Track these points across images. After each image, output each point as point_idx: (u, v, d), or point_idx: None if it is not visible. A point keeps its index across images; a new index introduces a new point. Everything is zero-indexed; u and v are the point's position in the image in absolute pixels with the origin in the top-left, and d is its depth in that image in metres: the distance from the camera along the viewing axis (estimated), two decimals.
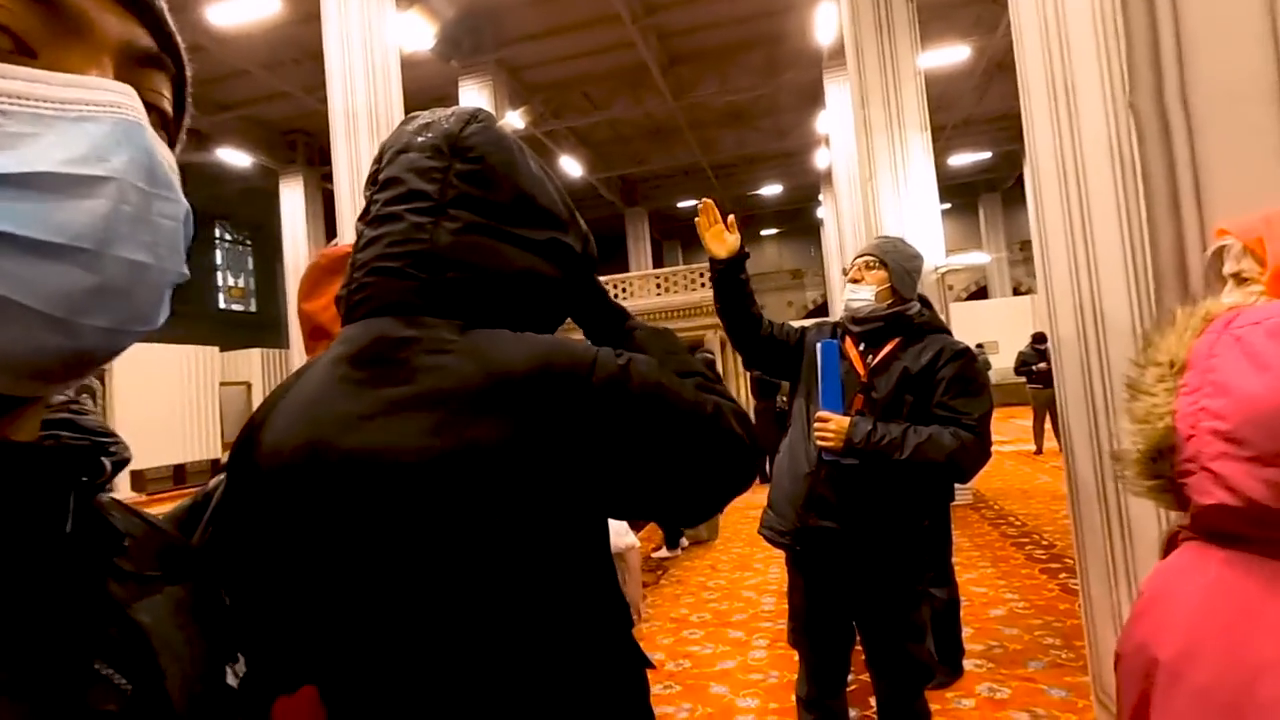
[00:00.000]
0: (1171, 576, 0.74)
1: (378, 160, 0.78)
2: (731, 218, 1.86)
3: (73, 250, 0.29)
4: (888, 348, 1.82)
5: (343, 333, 0.73)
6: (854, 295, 1.88)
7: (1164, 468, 0.73)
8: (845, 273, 1.96)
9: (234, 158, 14.34)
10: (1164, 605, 0.71)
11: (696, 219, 1.87)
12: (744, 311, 1.93)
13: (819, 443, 1.74)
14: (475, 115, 0.78)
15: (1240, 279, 1.04)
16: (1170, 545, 0.80)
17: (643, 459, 0.67)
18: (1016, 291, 21.66)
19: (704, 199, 1.87)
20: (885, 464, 1.68)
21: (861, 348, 1.87)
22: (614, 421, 0.66)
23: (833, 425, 1.72)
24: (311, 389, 0.71)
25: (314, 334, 1.08)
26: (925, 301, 1.92)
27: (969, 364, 1.78)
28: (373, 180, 0.77)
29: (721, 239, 1.85)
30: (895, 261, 1.86)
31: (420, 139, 0.75)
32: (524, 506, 0.64)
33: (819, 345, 1.80)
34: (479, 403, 0.64)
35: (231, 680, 0.42)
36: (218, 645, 0.42)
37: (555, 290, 0.78)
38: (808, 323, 2.11)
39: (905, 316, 1.84)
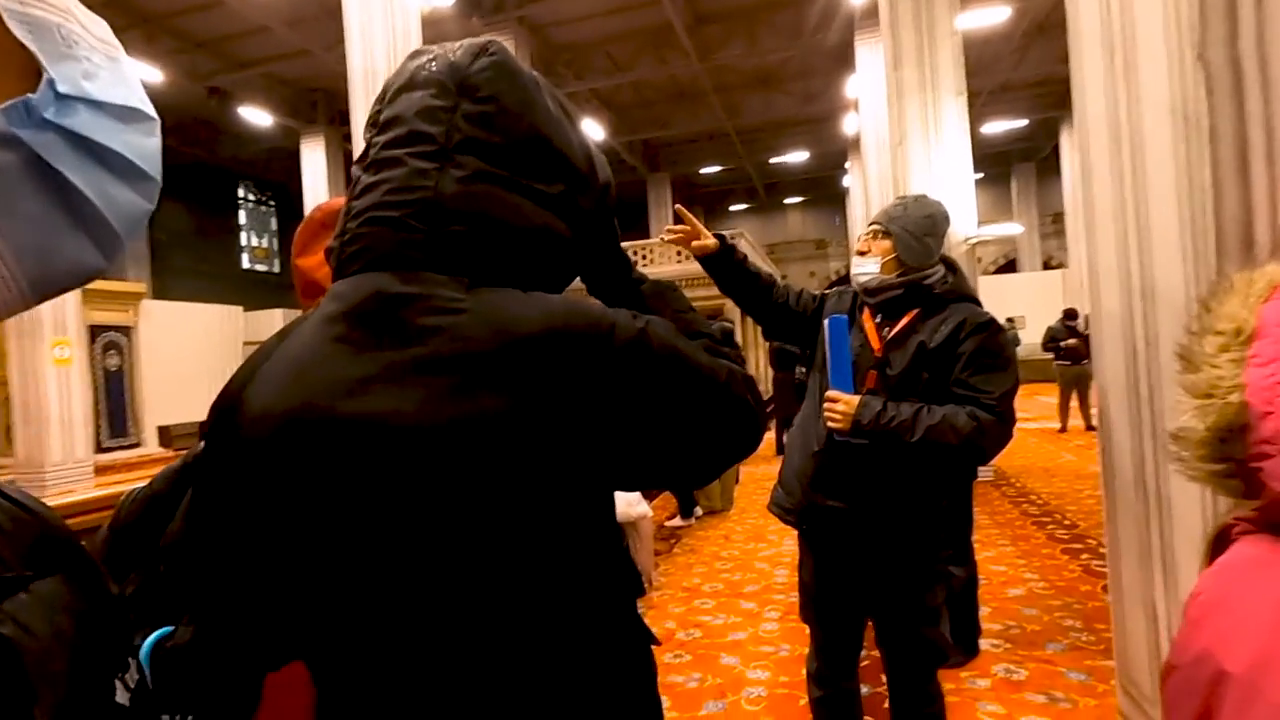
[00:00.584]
0: (1237, 576, 0.66)
1: (380, 99, 0.71)
2: (687, 219, 1.82)
3: (147, 178, 0.35)
4: (905, 320, 1.70)
5: (334, 288, 0.67)
6: (859, 269, 1.77)
7: (1234, 449, 0.64)
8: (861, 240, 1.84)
9: (256, 117, 14.29)
10: (1230, 609, 0.63)
11: (669, 239, 1.83)
12: (747, 289, 1.88)
13: (828, 423, 1.66)
14: (486, 48, 0.70)
15: None
16: (1221, 541, 0.72)
17: (657, 425, 0.64)
18: (1047, 266, 21.12)
19: (666, 228, 1.83)
20: (896, 445, 1.58)
21: (879, 319, 1.75)
22: (632, 387, 0.62)
23: (841, 405, 1.63)
24: (300, 350, 0.65)
25: (307, 290, 1.03)
26: (951, 266, 1.78)
27: (992, 337, 1.64)
28: (373, 122, 0.70)
29: (701, 247, 1.82)
30: (901, 228, 1.72)
31: (425, 74, 0.68)
32: (533, 477, 0.59)
33: (826, 321, 1.68)
34: (491, 367, 0.59)
35: (122, 697, 0.36)
36: (104, 654, 0.36)
37: (567, 249, 0.71)
38: (832, 290, 2.01)
39: (924, 285, 1.70)
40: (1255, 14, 1.22)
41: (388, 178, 0.65)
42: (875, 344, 1.72)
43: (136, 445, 10.77)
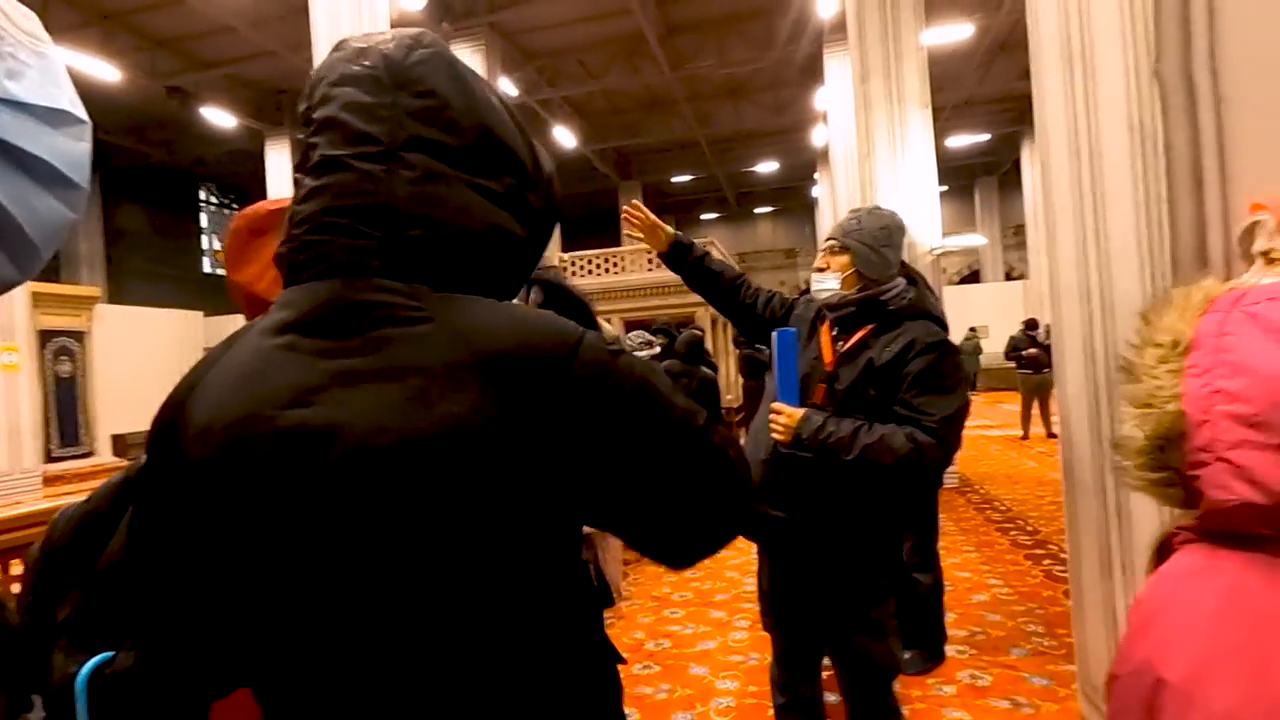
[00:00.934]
0: (1176, 585, 0.67)
1: (308, 96, 0.66)
2: (640, 210, 1.85)
3: (73, 185, 0.31)
4: (859, 335, 1.69)
5: (284, 295, 0.64)
6: (820, 285, 1.75)
7: (1172, 458, 0.65)
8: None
9: (219, 118, 13.97)
10: (1169, 619, 0.64)
11: (627, 230, 1.88)
12: (712, 285, 1.92)
13: (771, 434, 1.66)
14: (420, 39, 0.67)
15: (1270, 258, 0.97)
16: (1165, 550, 0.72)
17: (621, 463, 0.60)
18: (1009, 276, 21.65)
19: (628, 203, 1.87)
20: (835, 461, 1.58)
21: (835, 333, 1.74)
22: (593, 414, 0.59)
23: (783, 418, 1.63)
24: (247, 359, 0.62)
25: (252, 305, 0.97)
26: (912, 278, 1.77)
27: (941, 358, 1.61)
28: (306, 120, 0.66)
29: (656, 234, 1.87)
30: (858, 242, 1.72)
31: (356, 69, 0.64)
32: (490, 495, 0.56)
33: (775, 334, 1.67)
34: (450, 378, 0.56)
35: None
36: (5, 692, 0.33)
37: (520, 249, 0.68)
38: (802, 298, 2.00)
39: (879, 301, 1.69)
40: (1207, 31, 1.25)
41: (335, 181, 0.62)
42: (828, 357, 1.72)
43: (89, 455, 10.40)
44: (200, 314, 13.60)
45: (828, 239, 1.79)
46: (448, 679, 0.58)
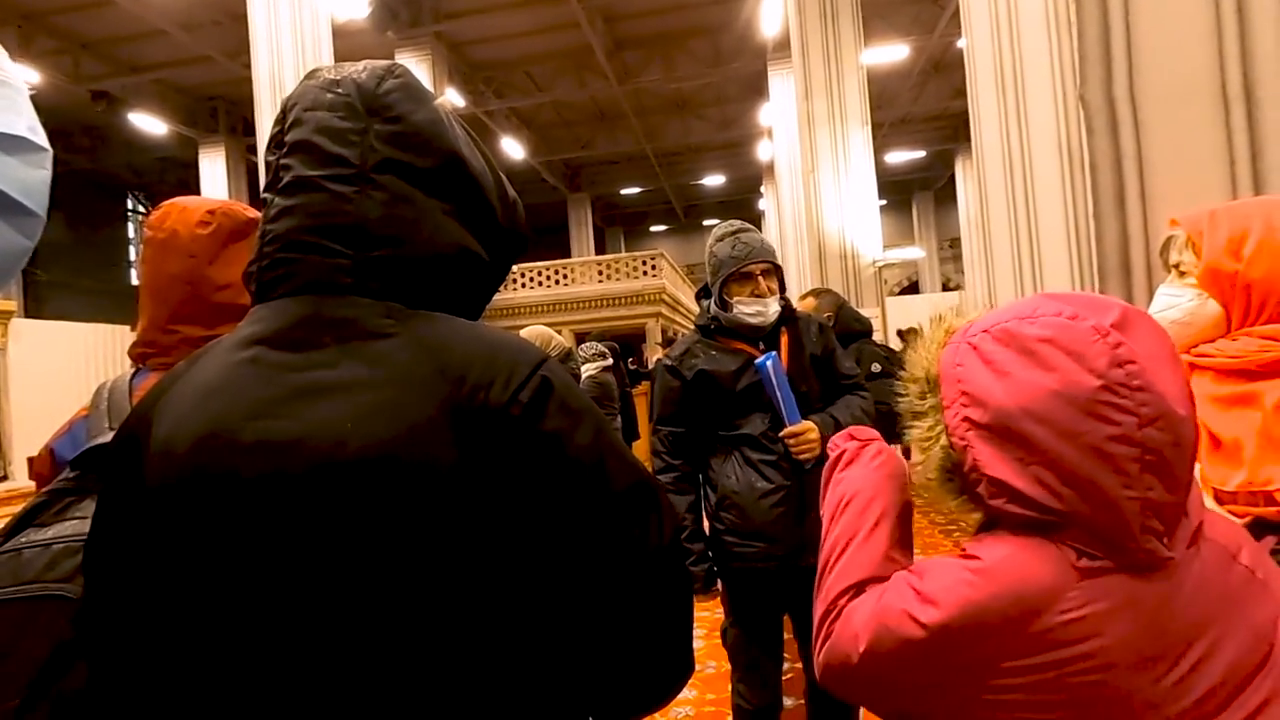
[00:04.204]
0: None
1: (280, 120, 0.68)
2: None
3: (29, 214, 0.32)
4: (784, 340, 1.81)
5: (255, 312, 0.64)
6: (767, 310, 1.75)
7: (960, 482, 0.73)
8: (742, 279, 1.76)
9: (149, 124, 13.41)
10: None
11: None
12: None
13: (802, 457, 1.66)
14: (391, 70, 0.69)
15: (1180, 271, 1.05)
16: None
17: (548, 533, 0.58)
18: (945, 287, 22.50)
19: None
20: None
21: (761, 347, 1.77)
22: (524, 460, 0.57)
23: (809, 435, 1.64)
24: (211, 375, 0.61)
25: (218, 312, 0.93)
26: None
27: (831, 330, 1.92)
28: (278, 143, 0.67)
29: None
30: (778, 261, 1.83)
31: (330, 95, 0.66)
32: (453, 514, 0.56)
33: (759, 365, 1.66)
34: (413, 392, 0.57)
35: None
36: None
37: (486, 271, 0.70)
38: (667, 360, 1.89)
39: (788, 305, 1.86)
40: (1126, 58, 1.35)
41: (305, 202, 0.63)
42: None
43: (3, 479, 9.75)
44: (128, 328, 12.94)
45: (763, 260, 1.76)
46: (414, 696, 0.57)
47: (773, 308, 1.75)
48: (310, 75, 0.70)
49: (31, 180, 0.31)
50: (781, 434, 1.67)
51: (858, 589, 0.74)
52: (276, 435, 0.56)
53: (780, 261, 1.84)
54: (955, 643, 0.65)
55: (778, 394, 1.65)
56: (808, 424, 1.66)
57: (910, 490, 0.86)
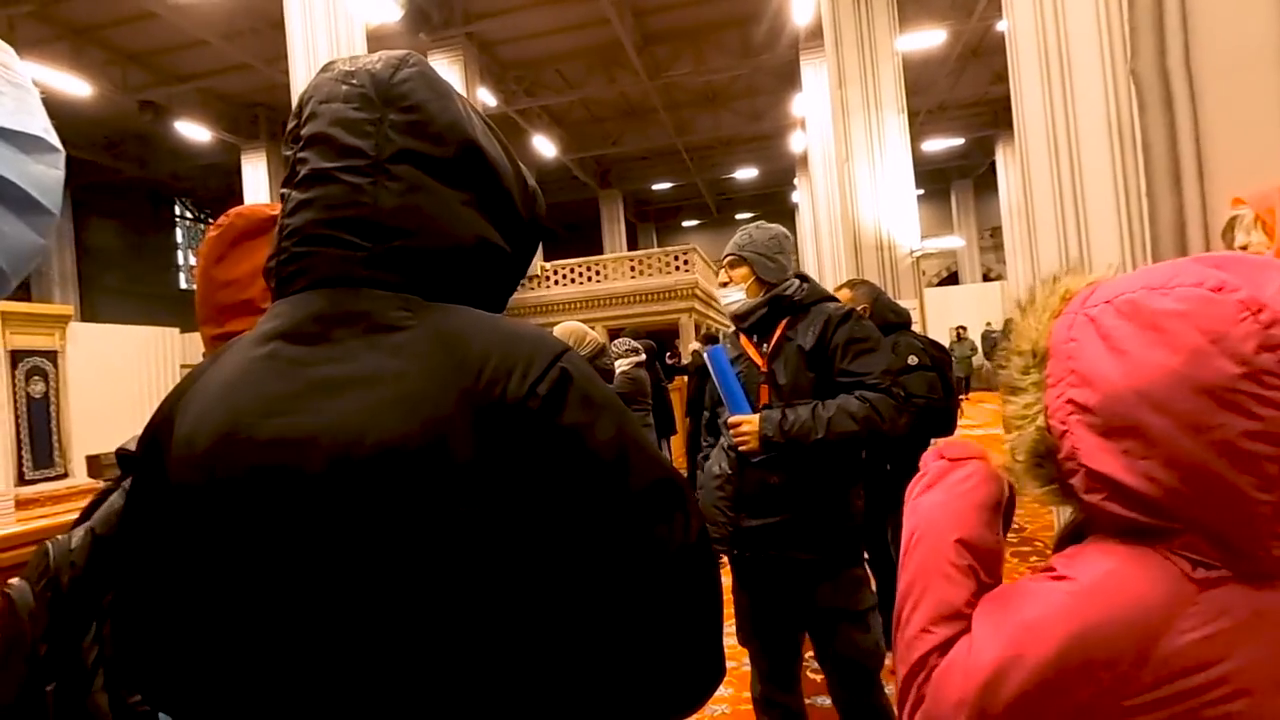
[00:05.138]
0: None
1: (297, 114, 0.68)
2: None
3: (44, 211, 0.33)
4: (778, 331, 1.83)
5: (274, 307, 0.64)
6: (728, 299, 1.90)
7: (1052, 470, 0.64)
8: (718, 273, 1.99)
9: (194, 132, 13.82)
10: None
11: None
12: None
13: (740, 448, 1.74)
14: (406, 60, 0.68)
15: (1250, 254, 0.98)
16: (1074, 534, 0.72)
17: (569, 531, 0.55)
18: (986, 277, 21.93)
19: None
20: (804, 449, 1.67)
21: (755, 339, 1.88)
22: (542, 455, 0.55)
23: (745, 426, 1.72)
24: (231, 371, 0.61)
25: (224, 311, 0.94)
26: (804, 277, 1.93)
27: (857, 324, 1.79)
28: (294, 138, 0.67)
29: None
30: (752, 252, 1.87)
31: (345, 87, 0.65)
32: (474, 506, 0.54)
33: (706, 354, 1.79)
34: (431, 384, 0.56)
35: None
36: None
37: (507, 262, 0.69)
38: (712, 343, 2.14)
39: (784, 296, 1.84)
40: (1181, 29, 1.27)
41: (322, 195, 0.63)
42: (759, 360, 1.83)
43: (64, 476, 10.16)
44: (176, 330, 13.38)
45: (725, 255, 1.93)
46: (434, 696, 0.56)
47: (733, 296, 1.87)
48: (326, 68, 0.69)
49: (48, 179, 0.31)
50: (728, 421, 1.77)
51: (944, 646, 0.64)
52: (293, 431, 0.56)
53: (742, 254, 1.88)
54: (1063, 686, 0.55)
55: (719, 384, 1.78)
56: (748, 416, 1.72)
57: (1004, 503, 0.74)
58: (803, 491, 1.72)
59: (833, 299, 1.89)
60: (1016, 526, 5.08)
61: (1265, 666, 0.53)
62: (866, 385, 1.69)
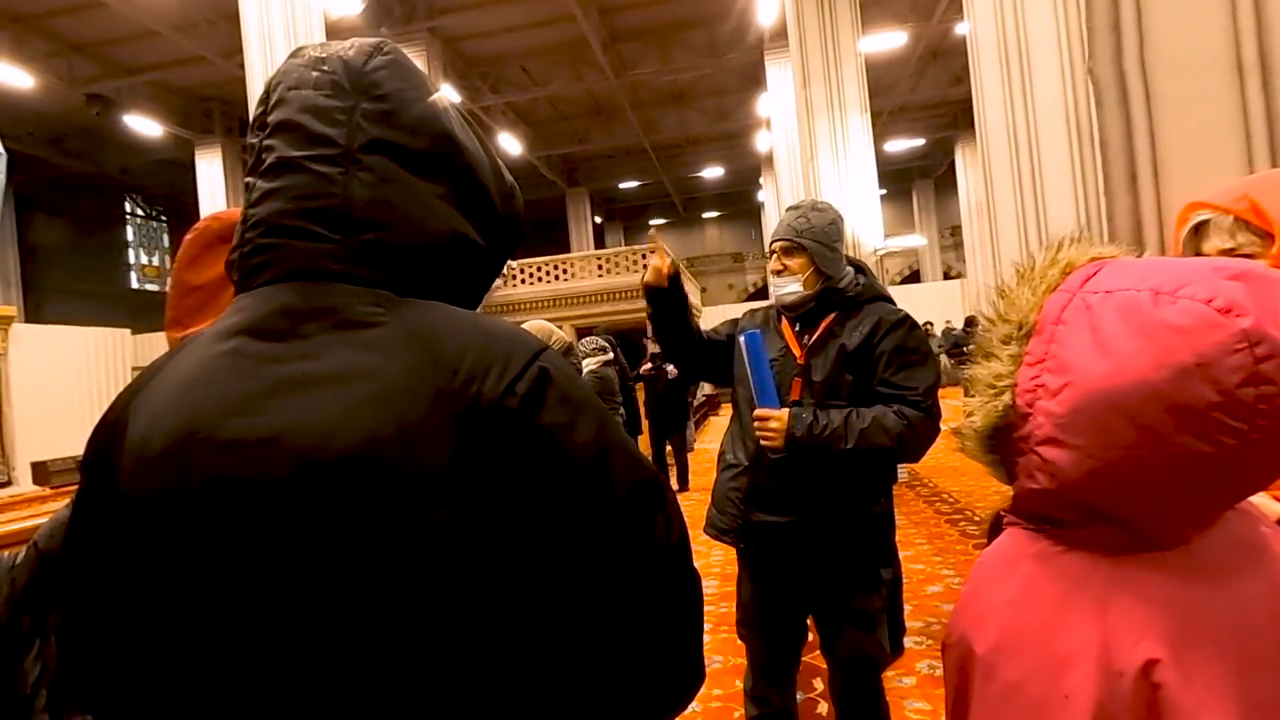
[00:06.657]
0: (989, 567, 0.70)
1: (264, 100, 0.64)
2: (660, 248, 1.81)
3: None
4: (824, 324, 1.70)
5: (237, 301, 0.60)
6: (783, 290, 1.73)
7: (1002, 444, 0.65)
8: (768, 256, 1.81)
9: (145, 126, 13.37)
10: (981, 597, 0.67)
11: (652, 262, 1.78)
12: (683, 327, 1.84)
13: (761, 441, 1.63)
14: (380, 47, 0.65)
15: (1238, 256, 0.93)
16: (996, 527, 0.74)
17: (548, 534, 0.54)
18: (947, 276, 22.43)
19: (651, 232, 1.84)
20: (829, 454, 1.57)
21: (797, 328, 1.75)
22: (521, 457, 0.54)
23: (773, 423, 1.59)
24: (191, 368, 0.58)
25: (199, 313, 0.91)
26: (860, 267, 1.79)
27: (910, 333, 1.65)
28: (260, 125, 0.63)
29: (661, 274, 1.76)
30: (812, 240, 1.71)
31: (316, 74, 0.62)
32: (443, 520, 0.52)
33: (742, 337, 1.64)
34: (404, 385, 0.53)
35: None
36: None
37: (482, 258, 0.66)
38: (745, 307, 2.00)
39: (837, 290, 1.71)
40: (1136, 29, 1.30)
41: (289, 184, 0.59)
42: (797, 351, 1.71)
43: (7, 484, 9.75)
44: (128, 331, 12.93)
45: (779, 239, 1.76)
46: (410, 709, 0.53)
47: (789, 286, 1.71)
48: (295, 53, 0.65)
49: None
50: (755, 413, 1.64)
51: None
52: (256, 432, 0.52)
53: (801, 241, 1.72)
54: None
55: (751, 371, 1.63)
56: (777, 412, 1.60)
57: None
58: (821, 494, 1.63)
59: (888, 299, 1.75)
60: (978, 520, 5.19)
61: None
62: (908, 401, 1.57)
